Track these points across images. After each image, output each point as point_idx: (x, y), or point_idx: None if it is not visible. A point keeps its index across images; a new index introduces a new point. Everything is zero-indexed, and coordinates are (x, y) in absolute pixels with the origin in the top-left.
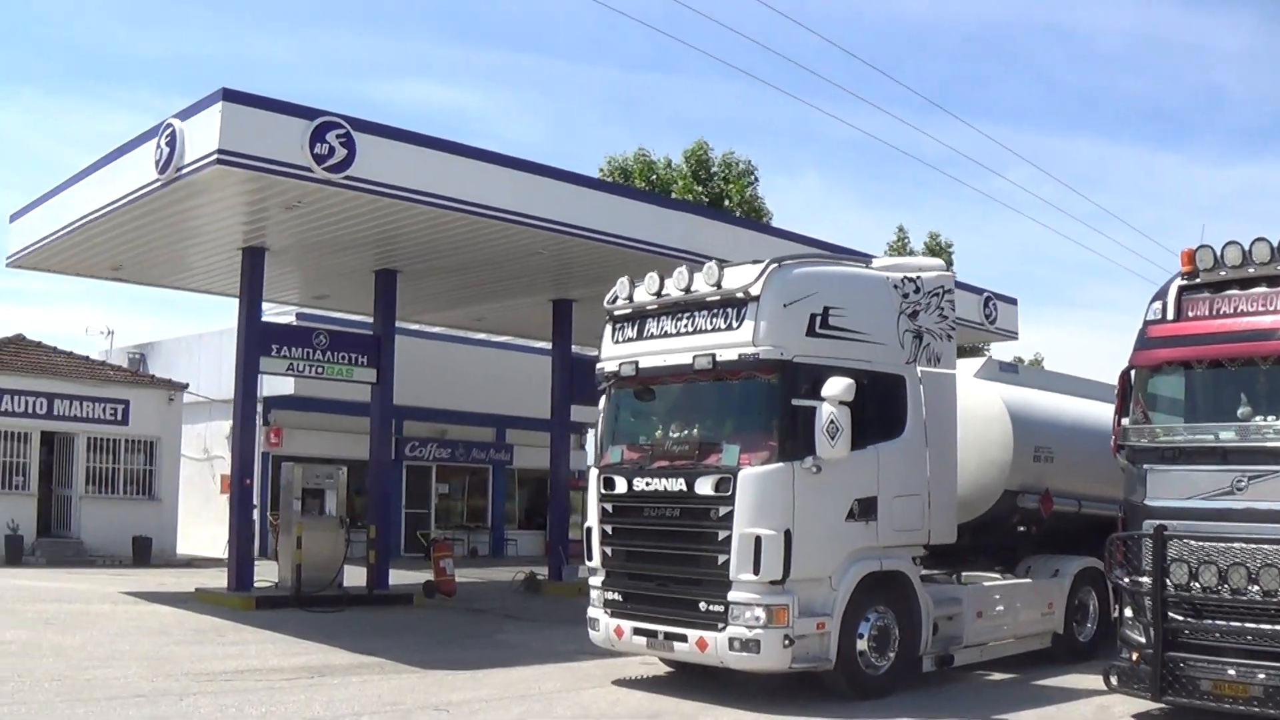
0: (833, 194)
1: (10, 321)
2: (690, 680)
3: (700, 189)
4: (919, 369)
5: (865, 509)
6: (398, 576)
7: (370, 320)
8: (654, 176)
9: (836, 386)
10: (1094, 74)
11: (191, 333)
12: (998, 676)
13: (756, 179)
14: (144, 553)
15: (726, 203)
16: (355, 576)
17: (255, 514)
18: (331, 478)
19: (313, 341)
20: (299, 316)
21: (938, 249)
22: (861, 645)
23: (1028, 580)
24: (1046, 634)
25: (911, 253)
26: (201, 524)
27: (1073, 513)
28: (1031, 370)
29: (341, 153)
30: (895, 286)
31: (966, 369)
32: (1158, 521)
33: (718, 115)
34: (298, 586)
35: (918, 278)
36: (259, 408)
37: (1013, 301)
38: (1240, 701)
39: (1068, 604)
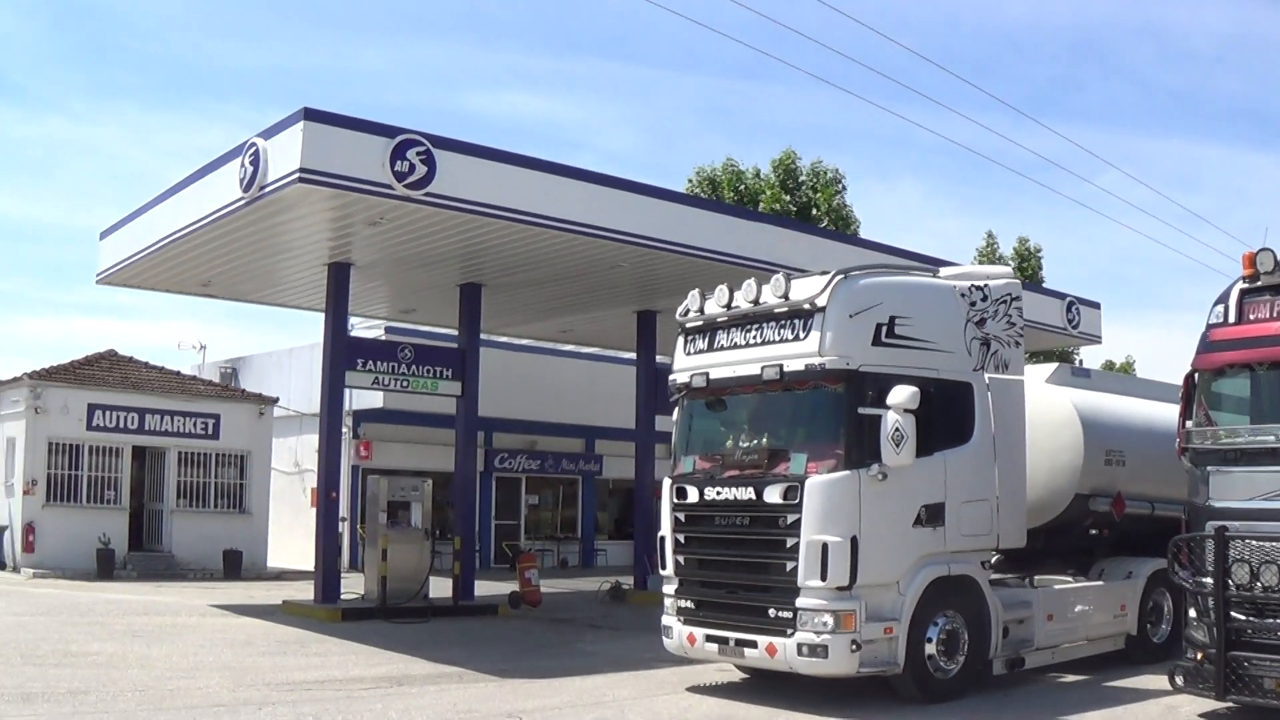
0: (929, 200)
1: (105, 335)
2: (764, 686)
3: (788, 198)
4: (986, 376)
5: (933, 515)
6: (486, 588)
7: (456, 333)
8: (742, 186)
9: (901, 395)
10: (1187, 75)
11: (283, 347)
12: (1070, 678)
13: (844, 187)
14: (234, 566)
15: (814, 211)
16: (442, 588)
17: (345, 526)
18: (417, 490)
19: (398, 355)
20: (387, 330)
21: (1027, 254)
22: (930, 649)
23: (1100, 583)
24: (1120, 636)
25: (1001, 258)
26: (292, 537)
27: (1146, 515)
28: (1104, 374)
29: (422, 170)
30: (962, 295)
31: (1037, 374)
32: (1220, 522)
33: (812, 123)
34: (383, 598)
35: (985, 285)
36: (348, 421)
37: (1096, 305)
38: None
39: (1141, 606)
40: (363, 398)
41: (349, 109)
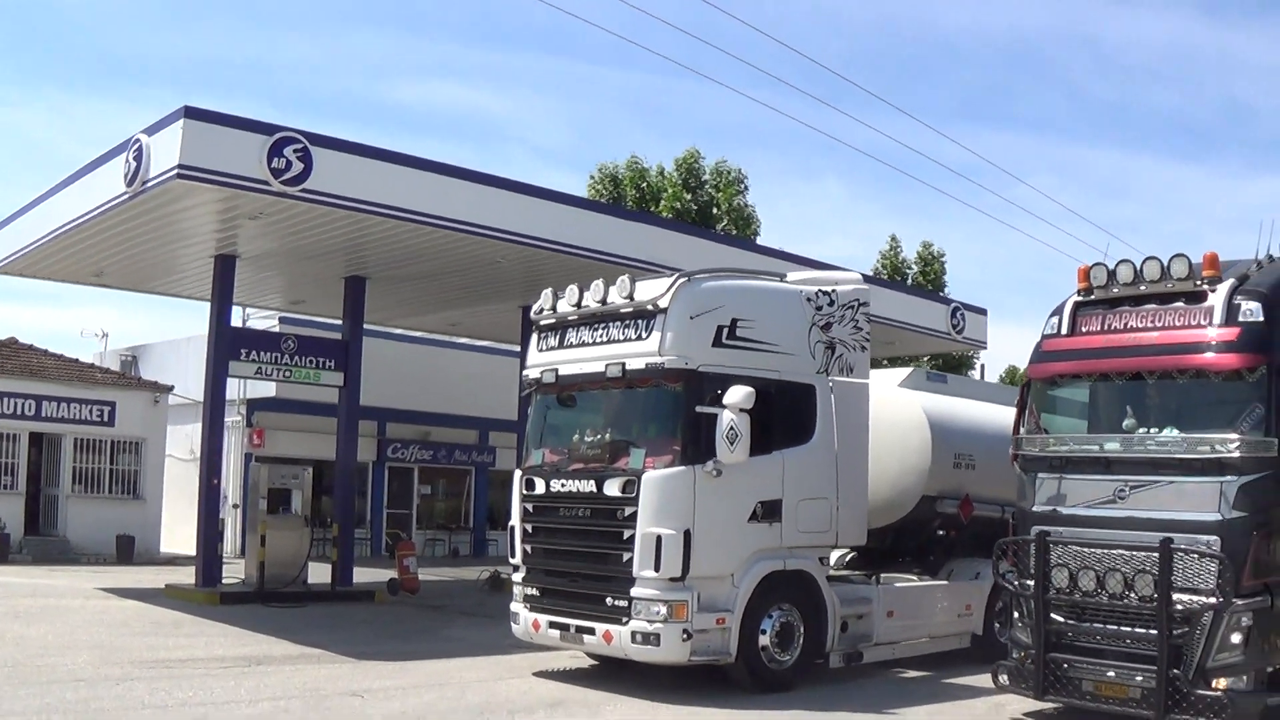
0: (852, 203)
1: (11, 322)
2: (609, 673)
3: (689, 197)
4: (830, 378)
5: (769, 511)
6: (372, 575)
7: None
8: (644, 184)
9: (736, 395)
10: (1121, 85)
11: (181, 336)
12: (911, 674)
13: (746, 188)
14: (127, 551)
15: (715, 211)
16: (324, 574)
17: (238, 513)
18: (297, 478)
19: (281, 346)
20: (281, 321)
21: (930, 257)
22: (764, 640)
23: (944, 582)
24: (965, 634)
25: (904, 261)
26: (187, 523)
27: (996, 518)
28: (961, 380)
29: (299, 167)
30: (808, 299)
31: (891, 378)
32: (1042, 527)
33: (740, 121)
34: (261, 583)
35: (833, 290)
36: (242, 409)
37: (982, 311)
38: (1119, 702)
39: (988, 606)
40: (257, 386)
41: (278, 99)
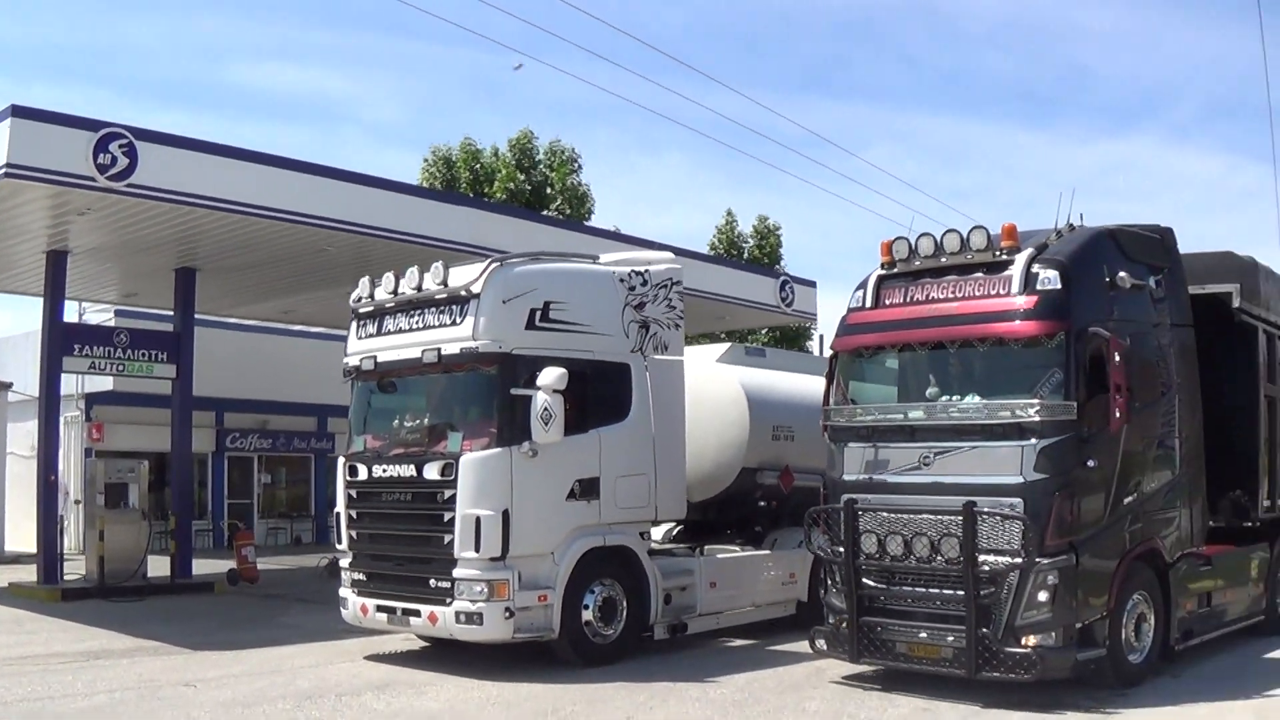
0: (696, 174)
1: None
2: (440, 654)
3: (523, 177)
4: (645, 357)
5: (587, 489)
6: (213, 566)
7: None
8: (478, 166)
9: (549, 376)
10: (957, 54)
11: (19, 332)
12: (738, 642)
13: (580, 167)
14: None
15: (549, 190)
16: (164, 567)
17: (81, 509)
18: (133, 471)
19: (114, 340)
20: (117, 315)
21: (766, 231)
22: (587, 615)
23: (767, 551)
24: (790, 602)
25: (740, 235)
26: (30, 520)
27: (818, 488)
28: (781, 353)
29: (124, 162)
30: (621, 280)
31: (709, 354)
32: (851, 495)
33: (579, 96)
34: (102, 578)
35: (646, 271)
36: (80, 404)
37: (811, 284)
38: (932, 662)
39: (812, 574)
40: (96, 380)
41: (115, 83)
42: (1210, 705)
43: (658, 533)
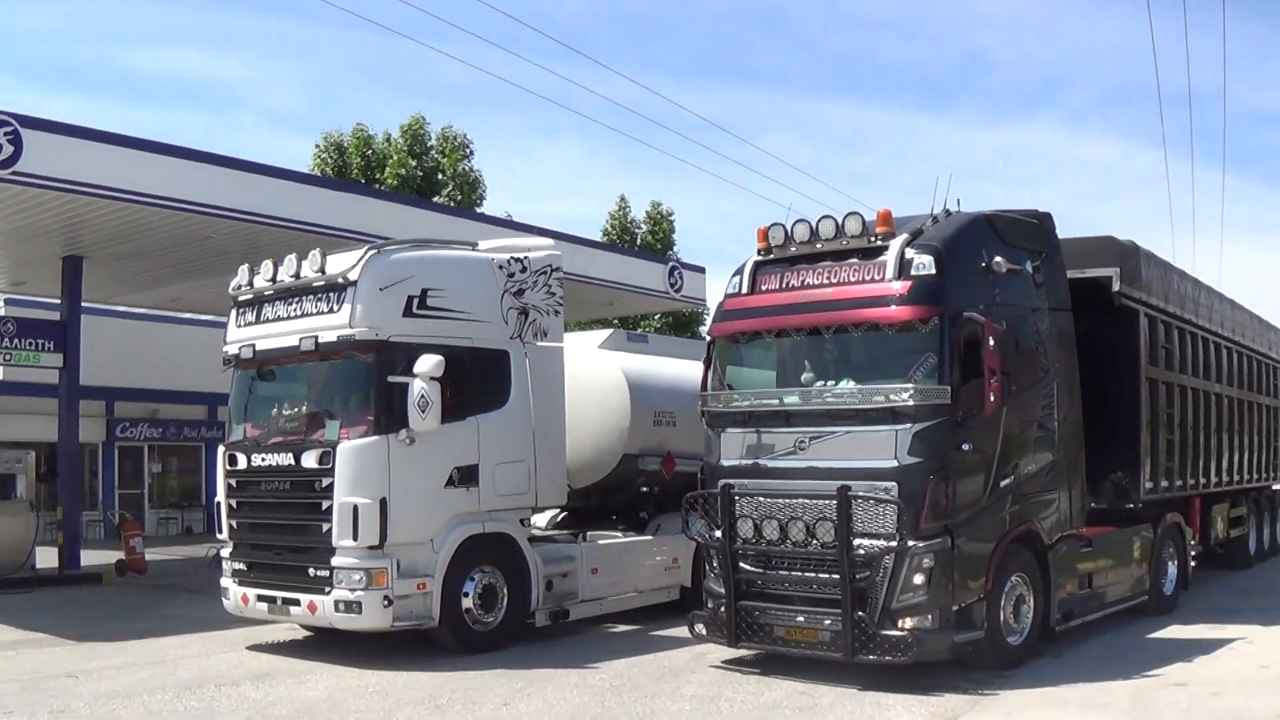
0: (593, 159)
1: None
2: (322, 643)
3: (414, 164)
4: (524, 344)
5: (466, 476)
6: (103, 557)
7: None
8: (370, 152)
9: (426, 364)
10: (857, 39)
11: None
12: (621, 628)
13: (472, 152)
14: None
15: (440, 176)
16: (54, 558)
17: None
18: (20, 462)
19: (0, 329)
20: (7, 303)
21: (659, 216)
22: (467, 603)
23: (649, 537)
24: (674, 587)
25: (633, 221)
26: None
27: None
28: (664, 339)
29: (9, 149)
30: (500, 267)
31: (592, 341)
32: (727, 480)
33: (475, 81)
34: None
35: (525, 258)
36: None
37: (700, 270)
38: (809, 645)
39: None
40: None
41: (8, 68)
42: (1089, 686)
43: (542, 519)
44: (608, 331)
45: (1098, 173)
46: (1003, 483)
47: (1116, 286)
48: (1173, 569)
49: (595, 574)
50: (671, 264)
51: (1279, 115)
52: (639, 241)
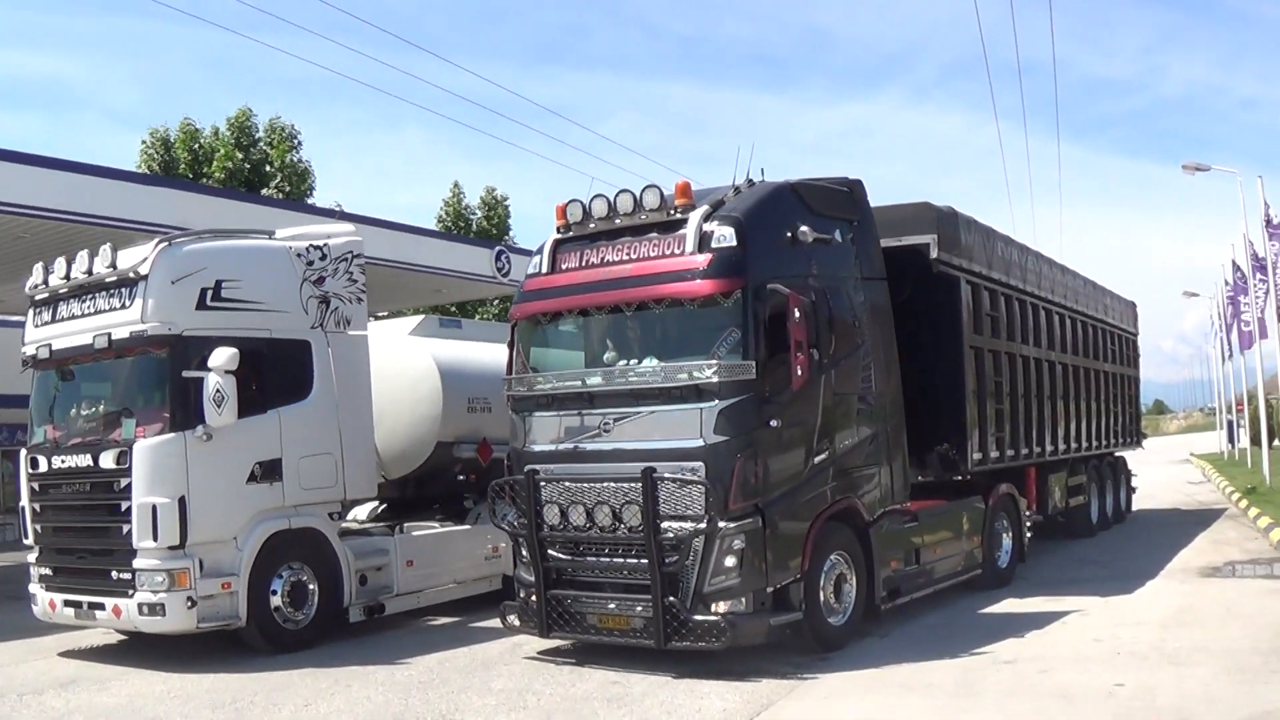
0: (434, 151)
1: None
2: (134, 647)
3: (241, 156)
4: (326, 333)
5: (268, 471)
6: None
7: None
8: (196, 146)
9: (220, 357)
10: (698, 20)
11: None
12: (441, 621)
13: (300, 144)
14: None
15: (268, 168)
16: None
17: None
18: None
19: None
20: None
21: (494, 202)
22: (276, 601)
23: (466, 526)
24: (495, 577)
25: (467, 207)
26: None
27: None
28: (479, 324)
29: None
30: (298, 255)
31: (402, 327)
32: (532, 465)
33: (315, 75)
34: None
35: (325, 245)
36: None
37: (527, 253)
38: (621, 633)
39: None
40: None
41: None
42: (914, 666)
43: (363, 512)
44: (418, 318)
45: (942, 146)
46: (817, 458)
47: (934, 254)
48: (1007, 541)
49: (411, 566)
50: (499, 248)
51: (1119, 84)
52: (474, 228)
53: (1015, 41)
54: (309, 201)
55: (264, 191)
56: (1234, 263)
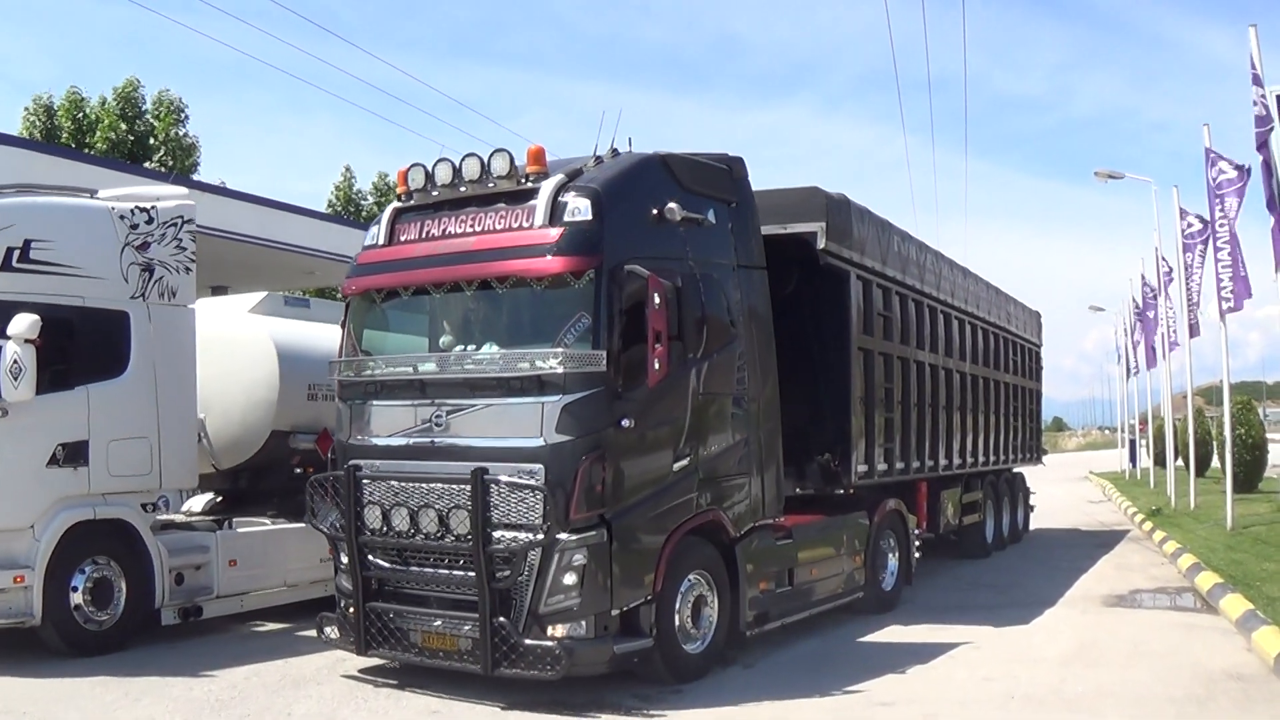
0: (343, 139)
1: None
2: None
3: (125, 128)
4: (148, 304)
5: (73, 454)
6: None
7: None
8: (81, 115)
9: (20, 325)
10: (612, 21)
11: None
12: (268, 627)
13: (186, 117)
14: None
15: (153, 141)
16: None
17: None
18: None
19: None
20: None
21: (387, 188)
22: (76, 599)
23: (300, 525)
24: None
25: (359, 192)
26: None
27: None
28: (333, 305)
29: None
30: (121, 217)
31: (242, 304)
32: (355, 461)
33: (226, 56)
34: None
35: (152, 207)
36: None
37: None
38: (447, 655)
39: None
40: None
41: None
42: (778, 704)
43: (199, 504)
44: (261, 294)
45: (853, 156)
46: (677, 465)
47: (822, 244)
48: (893, 561)
49: (234, 566)
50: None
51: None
52: (364, 213)
53: (926, 55)
54: (193, 178)
55: (147, 165)
56: (1143, 277)
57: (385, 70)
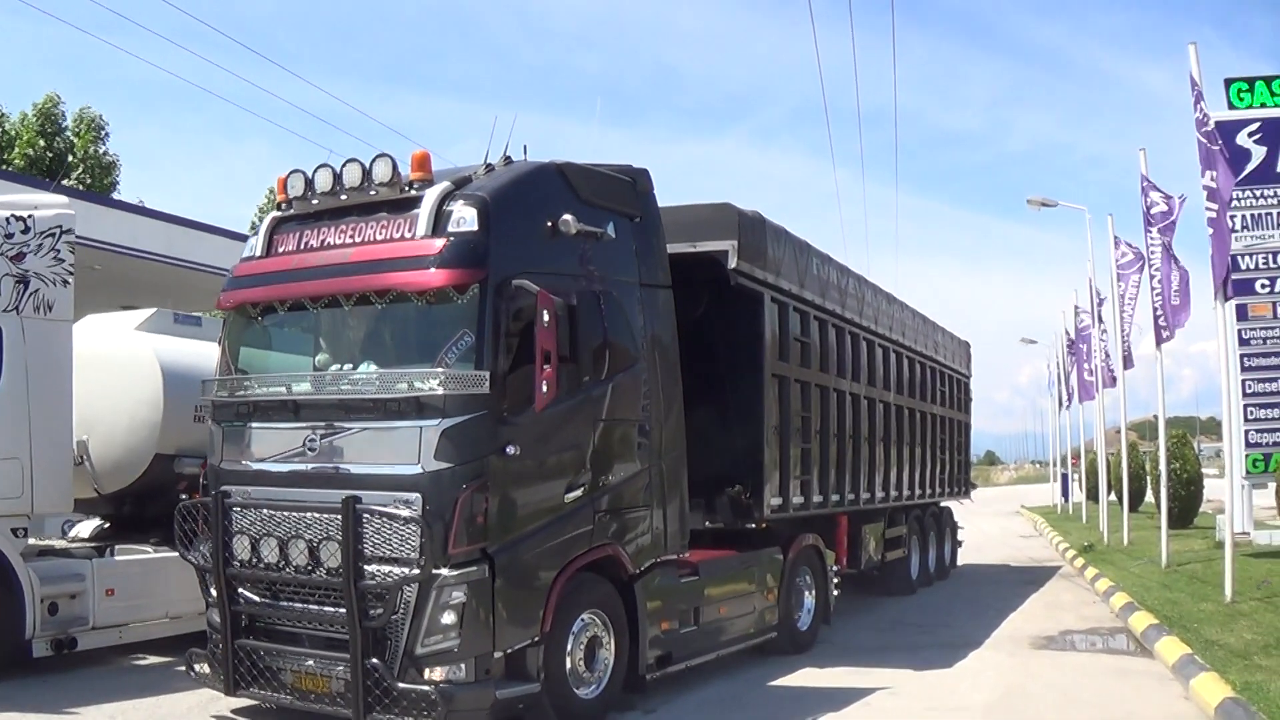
0: (278, 164)
1: None
2: None
3: (44, 144)
4: (22, 318)
5: None
6: None
7: None
8: (0, 131)
9: None
10: (549, 51)
11: None
12: (149, 660)
13: (107, 135)
14: None
15: (71, 158)
16: None
17: None
18: None
19: None
20: None
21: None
22: None
23: (169, 554)
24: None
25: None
26: None
27: None
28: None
29: None
30: None
31: (128, 321)
32: (228, 486)
33: (162, 80)
34: None
35: (28, 217)
36: None
37: None
38: (318, 698)
39: None
40: None
41: None
42: None
43: (87, 530)
44: (149, 311)
45: (786, 188)
46: (569, 496)
47: (733, 263)
48: (809, 599)
49: (112, 595)
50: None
51: (965, 136)
52: None
53: (856, 89)
54: (113, 196)
55: (65, 183)
56: (1076, 308)
57: (320, 96)
